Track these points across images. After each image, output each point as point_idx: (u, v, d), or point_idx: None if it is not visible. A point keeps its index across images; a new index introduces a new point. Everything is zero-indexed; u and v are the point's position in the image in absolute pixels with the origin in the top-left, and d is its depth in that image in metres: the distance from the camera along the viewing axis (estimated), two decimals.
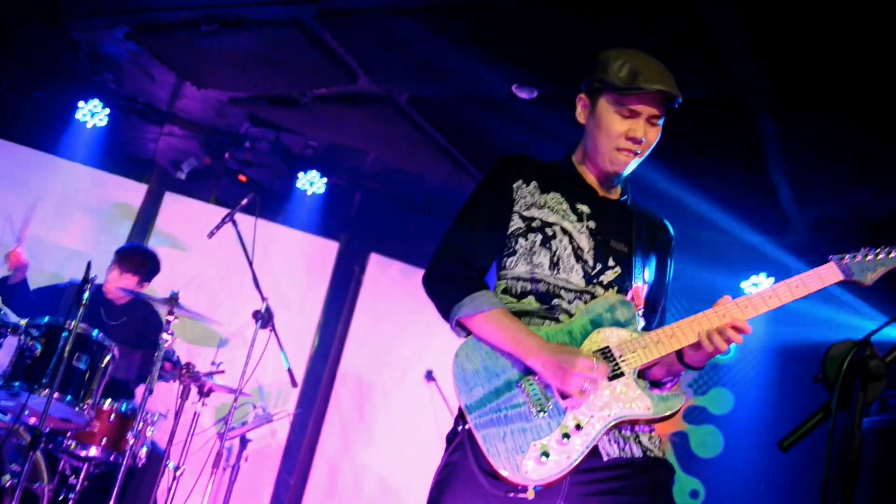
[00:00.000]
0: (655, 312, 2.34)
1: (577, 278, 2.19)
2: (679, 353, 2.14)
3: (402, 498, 6.35)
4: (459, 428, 2.14)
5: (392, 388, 6.61)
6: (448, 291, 2.20)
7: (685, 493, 5.93)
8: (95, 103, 6.30)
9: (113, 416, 4.29)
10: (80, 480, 4.23)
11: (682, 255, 2.74)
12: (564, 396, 2.04)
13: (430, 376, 5.84)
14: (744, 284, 5.74)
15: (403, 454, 6.44)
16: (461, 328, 2.19)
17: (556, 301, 2.18)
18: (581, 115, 2.30)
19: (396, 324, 6.60)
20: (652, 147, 2.25)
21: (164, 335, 4.29)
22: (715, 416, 6.10)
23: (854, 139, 4.39)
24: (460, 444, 2.12)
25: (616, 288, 2.21)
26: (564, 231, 2.23)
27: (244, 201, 4.82)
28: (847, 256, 2.15)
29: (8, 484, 3.60)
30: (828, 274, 2.13)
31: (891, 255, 2.16)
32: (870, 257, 2.14)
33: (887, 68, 3.77)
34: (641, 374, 2.14)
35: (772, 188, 5.05)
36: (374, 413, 6.64)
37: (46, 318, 4.03)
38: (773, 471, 5.73)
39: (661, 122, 2.23)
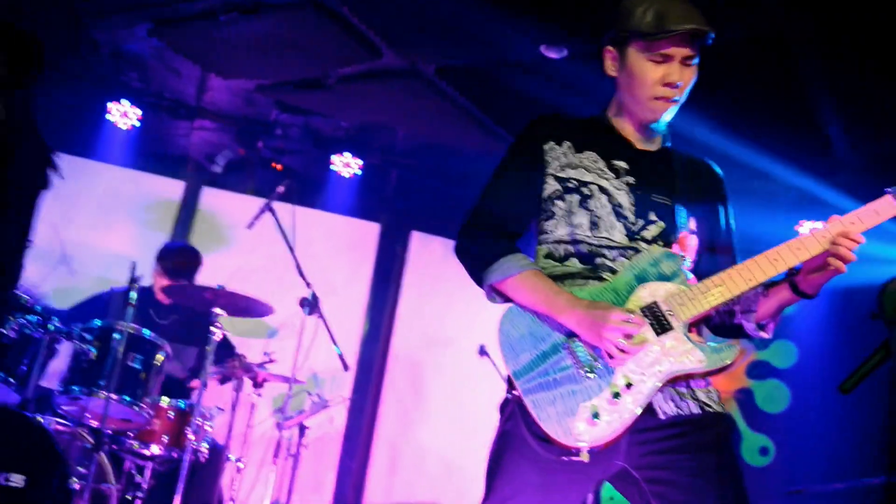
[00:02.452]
0: (715, 256, 2.30)
1: (619, 236, 2.18)
2: (793, 284, 2.13)
3: (465, 474, 6.37)
4: (509, 395, 2.16)
5: (446, 365, 6.66)
6: (478, 258, 2.22)
7: (755, 451, 5.89)
8: (125, 104, 6.39)
9: (171, 413, 4.37)
10: (147, 479, 4.33)
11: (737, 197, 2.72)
12: (611, 356, 2.05)
13: (483, 351, 5.86)
14: (797, 228, 5.67)
15: (463, 431, 6.47)
16: (496, 294, 2.21)
17: (599, 260, 2.18)
18: (611, 67, 2.27)
19: (444, 300, 6.64)
20: (689, 88, 2.23)
21: (214, 329, 4.39)
22: (779, 370, 6.03)
23: None
24: (512, 411, 2.14)
25: (661, 242, 2.20)
26: (602, 189, 2.22)
27: (280, 189, 4.88)
28: None
29: (77, 486, 3.70)
30: (885, 207, 2.10)
31: None
32: None
33: None
34: (693, 327, 2.13)
35: (820, 129, 4.98)
36: (430, 392, 6.70)
37: (98, 322, 4.13)
38: (844, 421, 5.66)
39: (695, 61, 2.20)
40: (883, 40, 4.08)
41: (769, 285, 2.18)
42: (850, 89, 4.59)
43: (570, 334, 2.10)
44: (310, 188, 6.73)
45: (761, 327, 2.22)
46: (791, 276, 2.14)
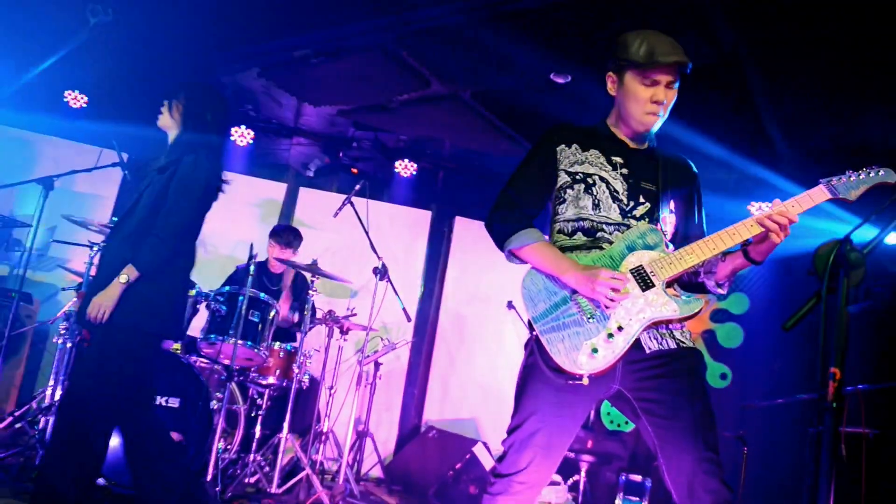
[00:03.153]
0: (682, 236, 2.29)
1: (614, 214, 2.18)
2: (745, 252, 2.11)
3: (500, 400, 6.40)
4: (530, 335, 2.17)
5: (483, 317, 6.65)
6: (502, 230, 2.22)
7: (716, 376, 5.84)
8: (242, 128, 6.46)
9: (281, 353, 4.44)
10: (265, 401, 4.42)
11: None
12: (606, 306, 2.05)
13: (510, 305, 5.84)
14: (749, 208, 5.58)
15: (497, 366, 6.50)
16: (514, 257, 2.22)
17: (599, 234, 2.17)
18: (612, 88, 2.26)
19: (481, 269, 6.61)
20: (672, 105, 2.21)
21: (311, 292, 4.44)
22: (735, 315, 5.98)
23: (829, 81, 4.18)
24: (532, 348, 2.15)
25: (647, 219, 2.19)
26: (602, 179, 2.21)
27: (357, 187, 4.89)
28: (834, 179, 2.09)
29: (216, 406, 3.78)
30: (818, 194, 2.08)
31: (870, 175, 2.11)
32: (853, 178, 2.09)
33: (850, 18, 3.59)
34: (670, 284, 2.13)
35: (765, 131, 4.88)
36: (471, 337, 6.70)
37: (227, 288, 4.22)
38: (784, 353, 5.62)
39: (676, 85, 2.19)
40: (813, 55, 3.97)
41: (727, 253, 2.17)
42: (785, 98, 4.48)
43: (576, 290, 2.10)
44: (378, 186, 6.72)
45: (719, 285, 2.22)
46: (744, 247, 2.13)
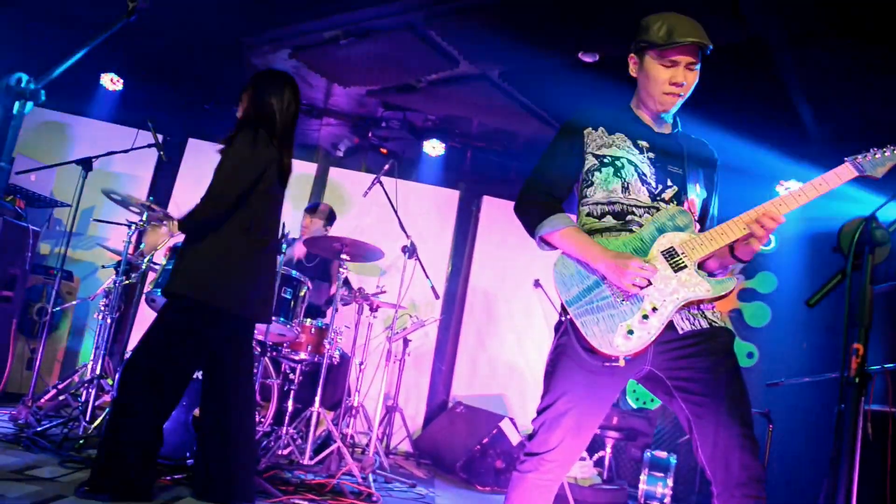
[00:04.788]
0: (706, 219, 2.30)
1: (644, 197, 2.17)
2: (731, 249, 2.11)
3: (525, 377, 6.44)
4: (563, 318, 2.17)
5: (510, 295, 6.65)
6: (532, 216, 2.21)
7: (743, 355, 5.81)
8: None
9: (313, 330, 4.48)
10: (297, 376, 4.49)
11: (727, 175, 2.67)
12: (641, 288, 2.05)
13: (537, 284, 5.85)
14: (777, 188, 5.51)
15: (523, 344, 6.52)
16: (544, 243, 2.22)
17: (629, 217, 2.16)
18: (633, 70, 2.25)
19: (508, 247, 6.60)
20: (692, 88, 2.19)
21: (341, 269, 4.49)
22: (762, 294, 5.92)
23: (860, 59, 4.09)
24: (565, 330, 2.15)
25: (675, 202, 2.18)
26: (630, 162, 2.20)
27: (386, 167, 4.89)
28: (859, 156, 2.06)
29: None
30: (844, 172, 2.05)
31: (895, 152, 2.09)
32: (878, 155, 2.05)
33: None
34: (700, 265, 2.12)
35: (794, 111, 4.80)
36: (499, 315, 6.71)
37: None
38: (812, 332, 5.57)
39: (697, 67, 2.17)
40: (844, 35, 3.89)
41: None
42: (815, 77, 4.39)
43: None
44: (407, 165, 6.74)
45: (712, 275, 2.21)
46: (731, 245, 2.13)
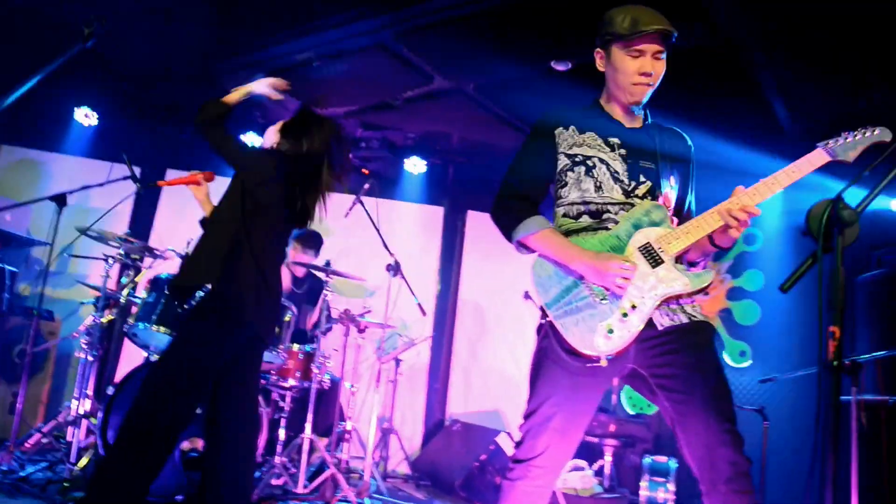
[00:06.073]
0: (683, 210, 2.28)
1: (617, 195, 2.15)
2: (710, 238, 2.10)
3: (519, 389, 6.36)
4: (543, 321, 2.14)
5: (500, 308, 6.63)
6: (507, 220, 2.19)
7: (735, 354, 5.79)
8: (252, 134, 6.50)
9: (301, 355, 4.43)
10: (287, 403, 4.44)
11: (705, 173, 2.66)
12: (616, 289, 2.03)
13: (526, 296, 5.84)
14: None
15: (515, 355, 6.49)
16: (522, 247, 2.19)
17: (605, 215, 2.15)
18: (600, 64, 2.25)
19: (496, 261, 6.57)
20: (661, 77, 2.19)
21: (326, 291, 4.46)
22: (750, 292, 5.91)
23: (830, 55, 4.13)
24: (545, 332, 2.12)
25: (650, 197, 2.17)
26: (601, 161, 2.18)
27: (366, 186, 4.89)
28: (831, 141, 2.07)
29: None
30: (816, 157, 2.06)
31: (865, 135, 2.09)
32: (850, 139, 2.06)
33: None
34: (678, 259, 2.10)
35: (769, 109, 4.83)
36: (491, 329, 6.68)
37: None
38: (802, 326, 5.54)
39: (664, 56, 2.17)
40: (812, 28, 3.92)
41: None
42: (787, 75, 4.42)
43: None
44: (390, 185, 6.73)
45: (693, 265, 2.23)
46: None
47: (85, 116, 6.24)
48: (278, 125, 3.16)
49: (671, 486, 4.59)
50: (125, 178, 4.40)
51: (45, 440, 4.29)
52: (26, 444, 4.22)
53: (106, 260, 4.21)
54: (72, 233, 4.69)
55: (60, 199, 4.18)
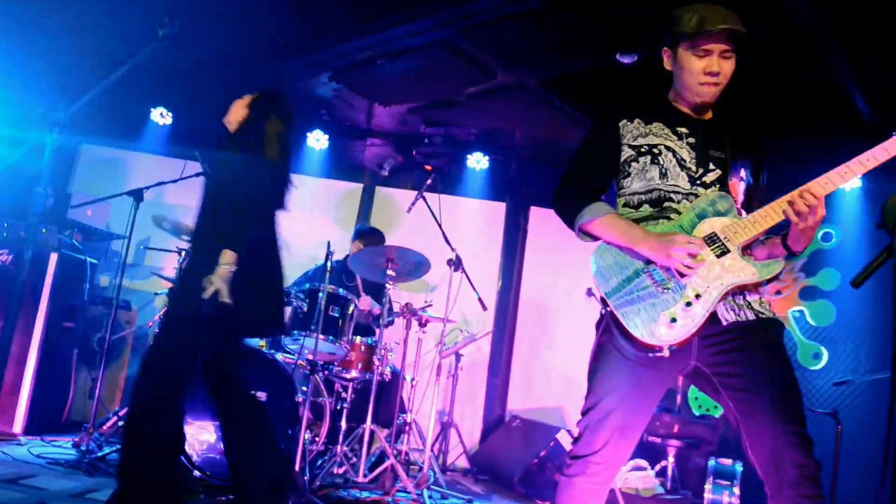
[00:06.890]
0: (752, 203, 2.21)
1: (683, 182, 2.12)
2: (783, 240, 2.03)
3: (581, 387, 6.27)
4: (603, 311, 2.12)
5: (562, 306, 6.58)
6: (569, 207, 2.18)
7: (809, 356, 5.56)
8: (318, 132, 6.66)
9: (363, 347, 4.50)
10: (349, 394, 4.52)
11: (783, 166, 2.58)
12: (682, 275, 2.00)
13: (589, 293, 5.76)
14: None
15: (577, 353, 6.36)
16: (584, 234, 2.17)
17: (667, 204, 2.11)
18: (667, 63, 2.22)
19: (558, 258, 6.53)
20: (729, 76, 2.13)
21: (388, 285, 4.52)
22: (826, 292, 5.68)
23: None
24: (606, 325, 2.10)
25: (717, 186, 2.12)
26: (668, 148, 2.15)
27: (428, 181, 4.93)
28: None
29: (300, 399, 3.91)
30: (892, 145, 1.97)
31: None
32: None
33: None
34: (747, 252, 2.05)
35: (850, 100, 4.62)
36: (552, 326, 6.64)
37: (307, 285, 4.31)
38: (880, 328, 5.31)
39: (732, 55, 2.11)
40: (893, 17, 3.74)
41: (767, 237, 2.10)
42: (867, 65, 4.21)
43: (648, 261, 2.05)
44: (453, 181, 6.76)
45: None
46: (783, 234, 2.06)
47: (160, 116, 6.50)
48: (245, 99, 3.18)
49: (736, 490, 4.46)
50: (198, 174, 4.58)
51: (121, 423, 4.50)
52: (104, 427, 4.44)
53: (179, 253, 4.38)
54: (148, 227, 4.90)
55: (137, 195, 4.38)
